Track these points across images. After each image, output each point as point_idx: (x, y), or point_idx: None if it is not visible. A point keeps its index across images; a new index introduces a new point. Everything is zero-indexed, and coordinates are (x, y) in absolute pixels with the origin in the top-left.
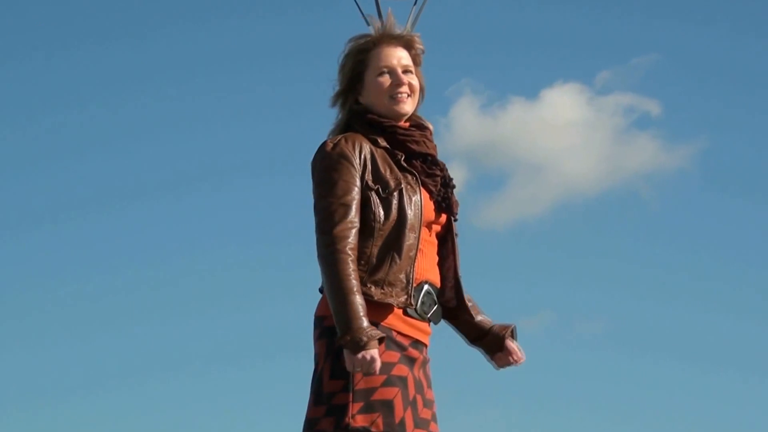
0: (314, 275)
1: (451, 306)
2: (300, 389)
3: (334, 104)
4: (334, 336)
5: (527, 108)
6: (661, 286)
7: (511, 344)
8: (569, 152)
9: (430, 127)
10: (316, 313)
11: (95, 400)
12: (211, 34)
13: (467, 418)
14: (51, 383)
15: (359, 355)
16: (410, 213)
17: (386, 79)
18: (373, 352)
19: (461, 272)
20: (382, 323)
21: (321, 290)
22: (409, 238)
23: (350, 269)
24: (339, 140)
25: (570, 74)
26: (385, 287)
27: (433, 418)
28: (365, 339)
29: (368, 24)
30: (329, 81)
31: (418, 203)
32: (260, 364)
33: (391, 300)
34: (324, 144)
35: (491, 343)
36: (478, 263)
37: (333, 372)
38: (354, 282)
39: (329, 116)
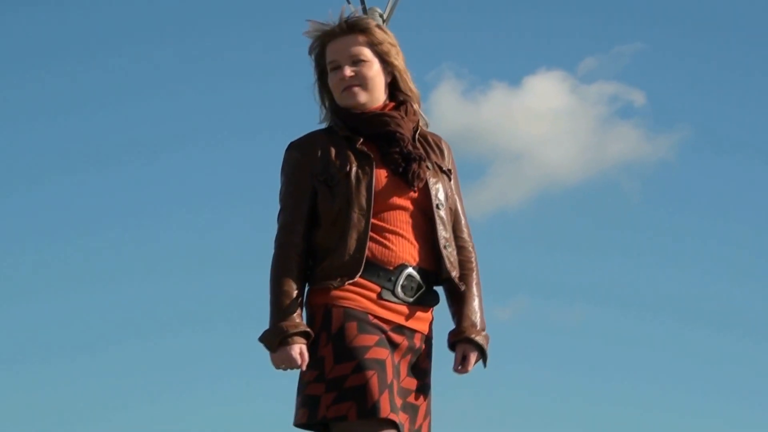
0: None
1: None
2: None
3: (321, 109)
4: (311, 325)
5: (509, 94)
6: (643, 274)
7: (458, 353)
8: (551, 141)
9: (415, 105)
10: None
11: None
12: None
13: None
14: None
15: (275, 354)
16: (359, 195)
17: (334, 75)
18: (290, 349)
19: (444, 243)
20: (356, 308)
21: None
22: (359, 221)
23: (284, 266)
24: (296, 140)
25: (554, 61)
26: (332, 272)
27: (404, 408)
28: (277, 339)
29: (348, 2)
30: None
31: (369, 184)
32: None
33: (332, 282)
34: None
35: (451, 338)
36: None
37: (310, 361)
38: (283, 279)
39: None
